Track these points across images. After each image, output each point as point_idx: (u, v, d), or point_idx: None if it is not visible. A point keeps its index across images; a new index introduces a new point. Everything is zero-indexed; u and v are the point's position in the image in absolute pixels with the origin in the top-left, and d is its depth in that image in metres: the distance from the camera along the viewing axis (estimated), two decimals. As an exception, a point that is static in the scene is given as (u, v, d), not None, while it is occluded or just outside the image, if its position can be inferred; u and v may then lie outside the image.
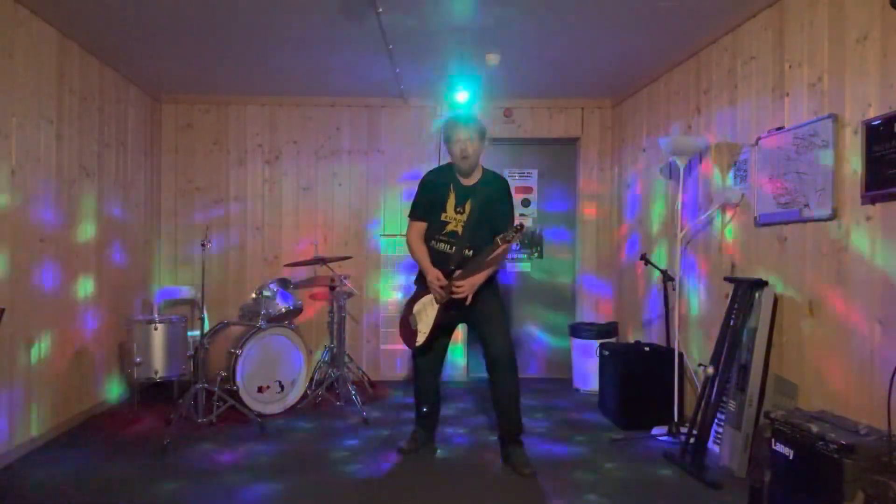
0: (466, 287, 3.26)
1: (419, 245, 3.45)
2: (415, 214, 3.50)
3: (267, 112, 5.58)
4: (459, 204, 3.39)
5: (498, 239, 3.15)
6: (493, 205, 3.38)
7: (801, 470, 2.49)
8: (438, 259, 3.39)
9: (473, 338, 5.12)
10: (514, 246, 3.27)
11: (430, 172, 3.60)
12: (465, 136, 3.32)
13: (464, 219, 3.37)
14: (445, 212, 3.40)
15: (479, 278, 3.29)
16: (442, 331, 3.43)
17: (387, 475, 3.29)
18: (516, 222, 3.21)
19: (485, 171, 3.48)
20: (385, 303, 5.60)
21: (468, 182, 3.43)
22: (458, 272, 3.28)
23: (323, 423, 4.18)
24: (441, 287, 3.30)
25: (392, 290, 5.60)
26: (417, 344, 3.39)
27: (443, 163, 3.57)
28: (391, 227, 5.55)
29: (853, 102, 2.78)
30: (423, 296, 3.44)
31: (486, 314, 3.37)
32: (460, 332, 5.38)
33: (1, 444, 3.33)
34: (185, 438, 3.76)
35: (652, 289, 4.75)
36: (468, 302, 3.27)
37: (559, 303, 5.80)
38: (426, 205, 3.46)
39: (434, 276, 3.32)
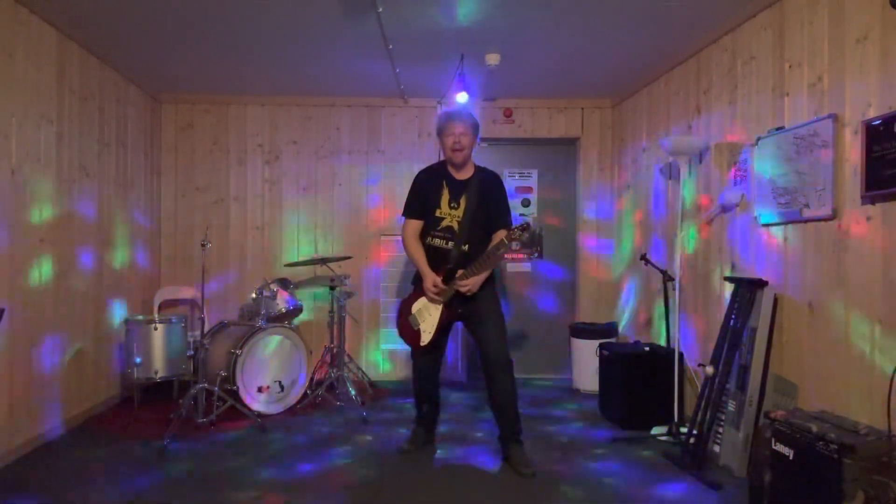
0: (471, 284, 3.28)
1: (416, 245, 3.44)
2: (409, 212, 3.49)
3: (267, 112, 5.58)
4: (454, 199, 3.40)
5: (504, 238, 3.17)
6: (488, 200, 3.40)
7: (801, 470, 2.49)
8: (436, 255, 3.39)
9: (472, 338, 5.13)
10: (513, 245, 3.29)
11: (422, 171, 3.59)
12: (459, 130, 3.35)
13: (459, 214, 3.38)
14: (440, 208, 3.41)
15: (482, 277, 3.31)
16: (442, 330, 3.43)
17: (387, 475, 3.28)
18: (522, 220, 3.23)
19: (477, 167, 3.51)
20: (385, 303, 5.60)
21: (461, 177, 3.45)
22: (460, 272, 3.29)
23: (323, 423, 4.18)
24: (437, 293, 3.31)
25: (392, 290, 5.60)
26: (423, 343, 3.39)
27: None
28: (391, 227, 5.54)
29: (853, 102, 2.78)
30: (421, 296, 3.44)
31: (482, 316, 3.37)
32: (459, 332, 5.38)
33: (1, 444, 3.33)
34: (185, 438, 3.77)
35: (652, 289, 4.75)
36: (470, 292, 3.29)
37: (559, 303, 5.80)
38: (420, 202, 3.46)
39: (431, 280, 3.33)
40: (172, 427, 3.73)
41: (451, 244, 3.37)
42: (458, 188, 3.42)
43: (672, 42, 4.11)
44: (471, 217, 3.36)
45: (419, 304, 3.43)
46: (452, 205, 3.40)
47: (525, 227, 3.15)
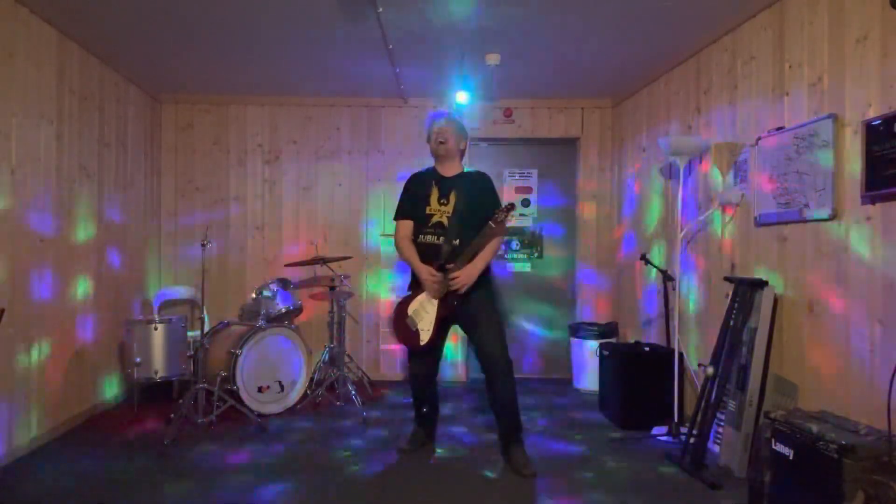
0: (463, 277, 3.27)
1: (407, 245, 3.48)
2: (400, 214, 3.56)
3: (267, 112, 5.58)
4: (443, 196, 3.45)
5: (490, 222, 3.20)
6: (478, 195, 3.44)
7: (801, 470, 2.49)
8: (428, 252, 3.40)
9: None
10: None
11: (412, 174, 3.66)
12: (439, 126, 3.50)
13: (449, 210, 3.41)
14: (429, 205, 3.45)
15: (474, 268, 3.31)
16: (442, 329, 3.43)
17: (387, 475, 3.28)
18: (506, 202, 3.28)
19: (466, 168, 3.59)
20: (385, 303, 5.60)
21: (449, 175, 3.51)
22: (451, 265, 3.30)
23: (323, 423, 4.18)
24: (435, 282, 3.31)
25: (392, 290, 5.60)
26: (422, 343, 3.38)
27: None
28: (391, 227, 5.50)
29: (853, 102, 2.78)
30: (416, 296, 3.44)
31: (480, 317, 3.37)
32: (459, 330, 5.37)
33: (1, 445, 3.33)
34: (185, 438, 3.76)
35: (652, 289, 4.75)
36: (462, 289, 3.28)
37: (559, 303, 5.80)
38: (410, 203, 3.52)
39: (426, 272, 3.34)
40: (172, 427, 3.73)
41: (441, 239, 3.38)
42: (446, 185, 3.47)
43: (672, 42, 4.11)
44: (460, 212, 3.38)
45: (415, 305, 3.43)
46: (442, 201, 3.44)
47: (509, 208, 3.21)
